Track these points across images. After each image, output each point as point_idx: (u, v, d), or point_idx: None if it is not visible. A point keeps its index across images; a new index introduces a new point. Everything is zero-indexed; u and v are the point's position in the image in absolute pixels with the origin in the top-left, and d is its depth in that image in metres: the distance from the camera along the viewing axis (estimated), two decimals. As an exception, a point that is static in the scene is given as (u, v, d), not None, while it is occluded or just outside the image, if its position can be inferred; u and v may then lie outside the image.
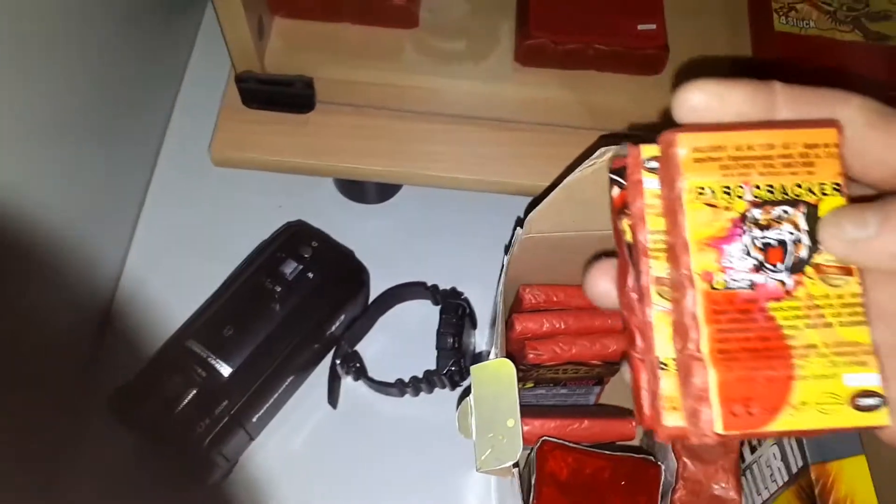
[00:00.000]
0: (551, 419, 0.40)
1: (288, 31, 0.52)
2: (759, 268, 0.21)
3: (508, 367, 0.34)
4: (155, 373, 0.43)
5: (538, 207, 0.37)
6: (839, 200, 0.21)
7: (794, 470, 0.38)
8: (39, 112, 0.44)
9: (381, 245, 0.55)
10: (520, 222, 0.38)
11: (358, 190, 0.58)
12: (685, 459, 0.39)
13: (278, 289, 0.45)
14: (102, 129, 0.52)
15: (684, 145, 0.21)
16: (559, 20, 0.51)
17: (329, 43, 0.52)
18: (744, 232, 0.21)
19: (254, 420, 0.45)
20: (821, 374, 0.21)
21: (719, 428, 0.20)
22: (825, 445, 0.37)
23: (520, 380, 0.44)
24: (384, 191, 0.58)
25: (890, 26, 0.52)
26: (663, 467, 0.38)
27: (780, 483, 0.39)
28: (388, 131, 0.52)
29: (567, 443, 0.39)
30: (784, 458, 0.39)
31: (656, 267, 0.22)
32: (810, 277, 0.21)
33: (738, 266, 0.21)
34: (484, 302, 0.53)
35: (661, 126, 0.23)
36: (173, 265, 0.55)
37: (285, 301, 0.45)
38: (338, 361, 0.49)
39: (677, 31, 0.51)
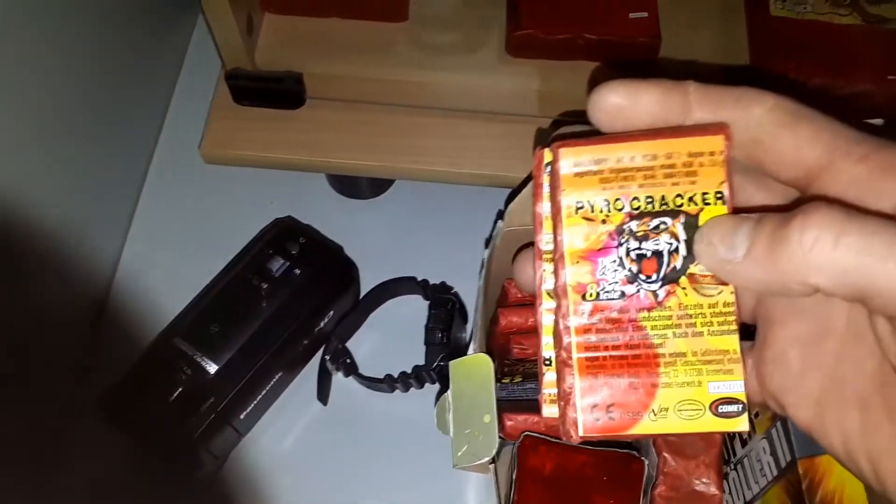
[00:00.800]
0: (536, 414, 0.40)
1: (277, 28, 0.52)
2: (632, 279, 0.22)
3: (485, 363, 0.33)
4: (143, 372, 0.44)
5: (517, 198, 0.36)
6: (720, 210, 0.21)
7: (783, 464, 0.37)
8: (34, 108, 0.44)
9: (374, 240, 0.55)
10: (500, 215, 0.37)
11: (351, 185, 0.57)
12: (666, 454, 0.38)
13: (265, 286, 0.45)
14: (98, 125, 0.53)
15: (566, 159, 0.22)
16: (550, 10, 0.50)
17: (318, 38, 0.52)
18: (619, 245, 0.22)
19: (241, 417, 0.45)
20: (685, 381, 0.22)
21: (578, 430, 0.21)
22: (813, 440, 0.36)
23: (506, 374, 0.43)
24: (377, 186, 0.58)
25: (889, 9, 0.51)
26: (646, 462, 0.38)
27: (770, 478, 0.38)
28: (379, 126, 0.52)
29: (550, 438, 0.38)
30: (773, 453, 0.38)
31: (548, 269, 0.23)
32: (683, 288, 0.22)
33: (610, 278, 0.22)
34: (475, 296, 0.52)
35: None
36: (167, 262, 0.55)
37: (272, 298, 0.45)
38: (327, 357, 0.49)
39: (670, 18, 0.50)
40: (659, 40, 0.50)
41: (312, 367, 0.50)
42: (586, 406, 0.21)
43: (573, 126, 0.25)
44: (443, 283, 0.52)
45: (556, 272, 0.22)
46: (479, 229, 0.55)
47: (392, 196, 0.58)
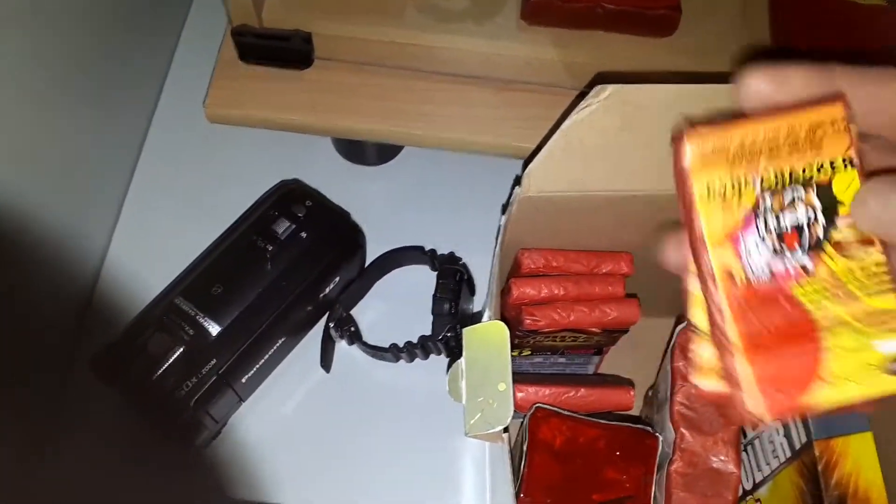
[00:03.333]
0: (546, 386, 0.39)
1: (287, -16, 0.50)
2: (777, 253, 0.22)
3: (501, 330, 0.32)
4: (140, 331, 0.42)
5: (536, 159, 0.35)
6: (852, 174, 0.22)
7: (798, 446, 0.37)
8: (34, 65, 0.43)
9: (380, 208, 0.54)
10: (518, 181, 0.36)
11: (357, 151, 0.56)
12: (683, 430, 0.37)
13: (270, 247, 0.44)
14: (98, 82, 0.51)
15: (691, 149, 0.22)
16: (568, -23, 0.49)
17: (328, -3, 0.50)
18: (758, 222, 0.22)
19: (243, 381, 0.44)
20: (852, 346, 0.21)
21: (765, 415, 0.21)
22: (830, 421, 0.36)
23: (516, 347, 0.42)
24: (384, 152, 0.56)
25: (914, -10, 0.50)
26: (661, 438, 0.37)
27: (783, 459, 0.38)
28: (388, 90, 0.51)
29: (562, 410, 0.37)
30: (787, 434, 0.38)
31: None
32: (830, 255, 0.22)
33: (755, 257, 0.22)
34: (483, 268, 0.51)
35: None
36: (166, 223, 0.54)
37: (276, 260, 0.44)
38: (331, 325, 0.48)
39: (686, -9, 0.49)
40: (679, 12, 0.49)
41: (316, 334, 0.49)
42: (762, 389, 0.21)
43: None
44: (451, 254, 0.51)
45: (697, 258, 0.22)
46: (487, 200, 0.54)
47: (399, 163, 0.57)
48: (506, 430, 0.31)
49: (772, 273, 0.22)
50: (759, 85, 0.22)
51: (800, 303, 0.21)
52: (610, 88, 0.33)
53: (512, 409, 0.30)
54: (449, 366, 0.47)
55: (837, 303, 0.21)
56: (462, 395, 0.32)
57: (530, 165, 0.35)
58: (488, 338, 0.33)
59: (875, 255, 0.22)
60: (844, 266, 0.22)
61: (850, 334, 0.21)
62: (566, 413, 0.37)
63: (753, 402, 0.21)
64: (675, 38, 0.50)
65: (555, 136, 0.34)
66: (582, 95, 0.34)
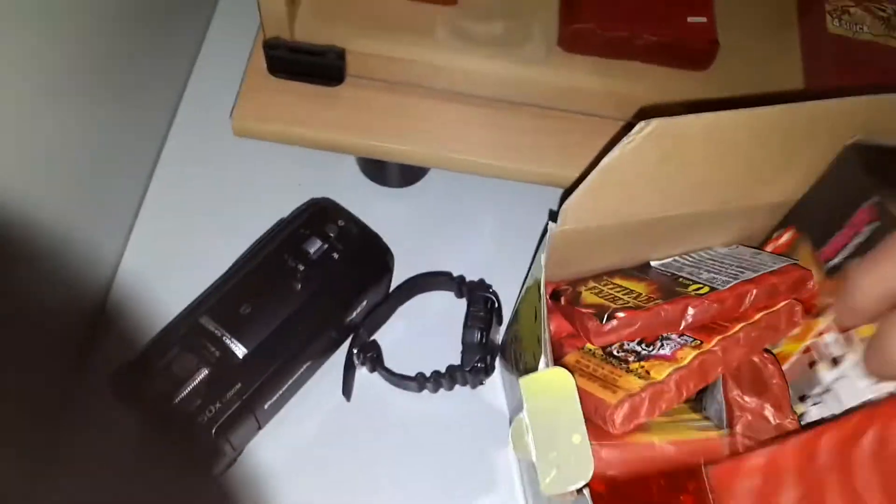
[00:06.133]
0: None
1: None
2: None
3: (565, 378, 0.30)
4: (163, 349, 0.40)
5: (573, 196, 0.34)
6: None
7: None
8: (51, 66, 0.41)
9: (403, 232, 0.52)
10: (552, 216, 0.35)
11: (382, 172, 0.55)
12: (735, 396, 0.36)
13: (301, 267, 0.42)
14: (116, 87, 0.49)
15: None
16: (607, 6, 0.49)
17: (365, 14, 0.49)
18: None
19: (265, 407, 0.42)
20: None
21: None
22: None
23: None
24: (409, 174, 0.55)
25: (947, 35, 0.51)
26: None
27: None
28: (420, 111, 0.50)
29: None
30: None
31: None
32: None
33: None
34: (510, 297, 0.50)
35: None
36: (182, 236, 0.51)
37: (308, 281, 0.42)
38: (355, 350, 0.46)
39: (726, 25, 0.49)
40: (717, 46, 0.49)
41: (337, 359, 0.47)
42: None
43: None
44: (481, 281, 0.49)
45: None
46: (513, 226, 0.53)
47: (424, 186, 0.56)
48: (587, 485, 0.29)
49: None
50: None
51: None
52: (654, 123, 0.32)
53: (592, 463, 0.28)
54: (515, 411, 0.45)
55: None
56: (531, 452, 0.30)
57: (566, 202, 0.34)
58: (551, 386, 0.31)
59: None
60: None
61: None
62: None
63: None
64: (711, 72, 0.50)
65: (593, 174, 0.33)
66: (629, 126, 0.33)
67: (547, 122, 0.50)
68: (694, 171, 0.35)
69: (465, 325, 0.46)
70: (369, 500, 0.45)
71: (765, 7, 0.53)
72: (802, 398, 0.37)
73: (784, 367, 0.38)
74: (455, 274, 0.50)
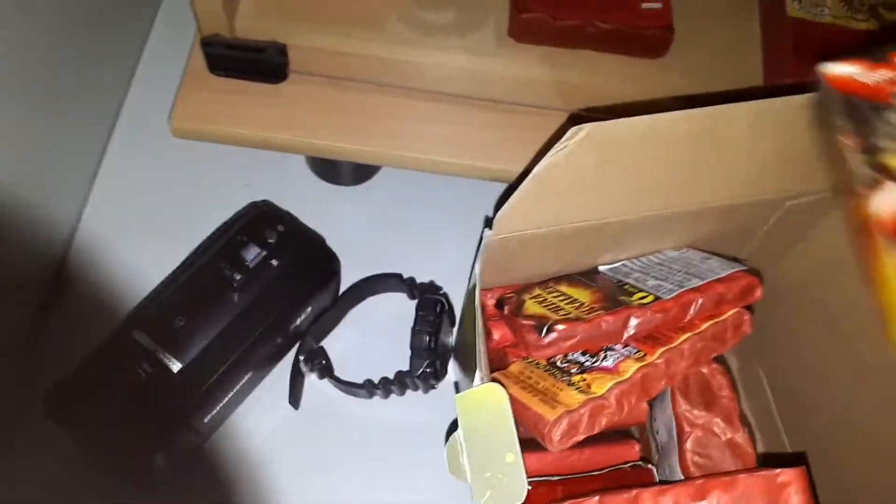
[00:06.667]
0: (545, 453, 0.36)
1: (262, -8, 0.47)
2: None
3: (498, 394, 0.29)
4: (97, 367, 0.39)
5: (507, 205, 0.33)
6: None
7: None
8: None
9: (355, 231, 0.51)
10: (488, 223, 0.34)
11: (332, 170, 0.53)
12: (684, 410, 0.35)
13: (238, 276, 0.41)
14: (57, 87, 0.47)
15: None
16: (558, -7, 0.47)
17: (307, 8, 0.47)
18: None
19: (205, 421, 0.41)
20: None
21: None
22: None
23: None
24: (360, 172, 0.54)
25: (909, 16, 0.49)
26: (655, 470, 0.35)
27: None
28: (367, 107, 0.48)
29: (551, 477, 0.35)
30: None
31: None
32: None
33: None
34: (462, 297, 0.49)
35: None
36: (126, 245, 0.50)
37: (245, 290, 0.41)
38: (301, 358, 0.45)
39: (681, 11, 0.47)
40: (671, 32, 0.47)
41: (284, 367, 0.46)
42: None
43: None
44: (431, 283, 0.48)
45: None
46: (468, 224, 0.52)
47: (376, 184, 0.54)
48: None
49: None
50: None
51: None
52: (587, 128, 0.31)
53: (525, 482, 0.27)
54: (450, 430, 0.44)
55: None
56: (466, 473, 0.29)
57: (500, 212, 0.33)
58: (486, 403, 0.29)
59: None
60: None
61: None
62: (555, 479, 0.34)
63: None
64: (668, 59, 0.48)
65: (527, 180, 0.32)
66: (573, 119, 0.32)
67: (500, 117, 0.49)
68: (632, 176, 0.34)
69: (413, 330, 0.44)
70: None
71: (724, -11, 0.52)
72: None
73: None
74: (406, 275, 0.49)
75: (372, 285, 0.48)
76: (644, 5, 0.48)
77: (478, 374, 0.30)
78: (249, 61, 0.47)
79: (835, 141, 0.27)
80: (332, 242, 0.48)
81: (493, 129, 0.48)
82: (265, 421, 0.46)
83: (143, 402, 0.38)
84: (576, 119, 0.32)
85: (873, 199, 0.24)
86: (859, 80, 0.25)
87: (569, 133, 0.31)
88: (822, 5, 0.50)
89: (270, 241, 0.42)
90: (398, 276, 0.48)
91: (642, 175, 0.34)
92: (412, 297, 0.48)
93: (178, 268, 0.43)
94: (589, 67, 0.48)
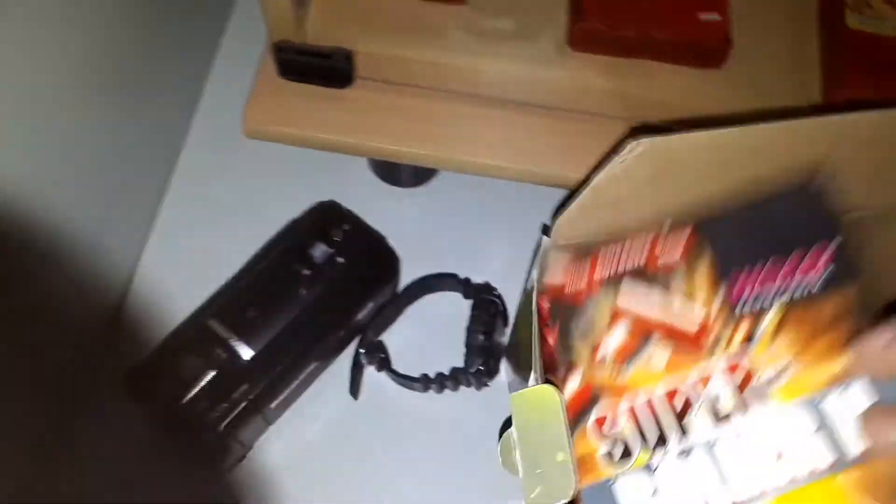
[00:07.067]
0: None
1: (330, 1, 0.50)
2: None
3: (551, 395, 0.30)
4: (172, 351, 0.42)
5: (565, 212, 0.34)
6: None
7: None
8: (65, 75, 0.42)
9: (413, 232, 0.53)
10: (545, 230, 0.35)
11: (393, 172, 0.55)
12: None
13: (306, 272, 0.43)
14: (134, 89, 0.50)
15: None
16: (617, 4, 0.48)
17: (372, 16, 0.49)
18: None
19: (272, 406, 0.43)
20: None
21: None
22: None
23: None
24: (420, 174, 0.55)
25: (975, 31, 0.49)
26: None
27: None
28: (428, 112, 0.50)
29: None
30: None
31: None
32: None
33: None
34: (517, 298, 0.50)
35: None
36: (198, 241, 0.53)
37: (313, 285, 0.43)
38: (362, 351, 0.47)
39: (740, 23, 0.48)
40: (730, 45, 0.48)
41: (344, 359, 0.48)
42: None
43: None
44: (487, 284, 0.50)
45: None
46: (522, 228, 0.53)
47: (435, 186, 0.56)
48: (571, 502, 0.30)
49: None
50: None
51: None
52: (644, 143, 0.32)
53: (574, 481, 0.29)
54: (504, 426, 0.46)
55: None
56: (518, 468, 0.30)
57: (557, 220, 0.34)
58: (540, 403, 0.31)
59: None
60: None
61: None
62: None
63: None
64: (726, 70, 0.49)
65: (584, 191, 0.33)
66: (633, 130, 0.33)
67: (557, 123, 0.50)
68: (687, 190, 0.35)
69: (469, 328, 0.46)
70: (376, 497, 0.46)
71: (784, 2, 0.52)
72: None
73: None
74: (462, 276, 0.50)
75: (429, 284, 0.50)
76: (702, 17, 0.48)
77: (533, 376, 0.32)
78: (318, 66, 0.49)
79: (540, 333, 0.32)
80: (391, 242, 0.50)
81: (549, 135, 0.50)
82: (326, 410, 0.48)
83: (217, 386, 0.40)
84: (635, 131, 0.33)
85: (564, 386, 0.29)
86: (563, 290, 0.31)
87: (628, 147, 0.32)
88: (883, 17, 0.50)
89: (336, 239, 0.44)
90: (454, 276, 0.50)
91: (697, 188, 0.35)
92: (467, 296, 0.50)
93: (250, 262, 0.46)
94: (646, 77, 0.49)
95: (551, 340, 0.36)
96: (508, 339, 0.48)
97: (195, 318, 0.43)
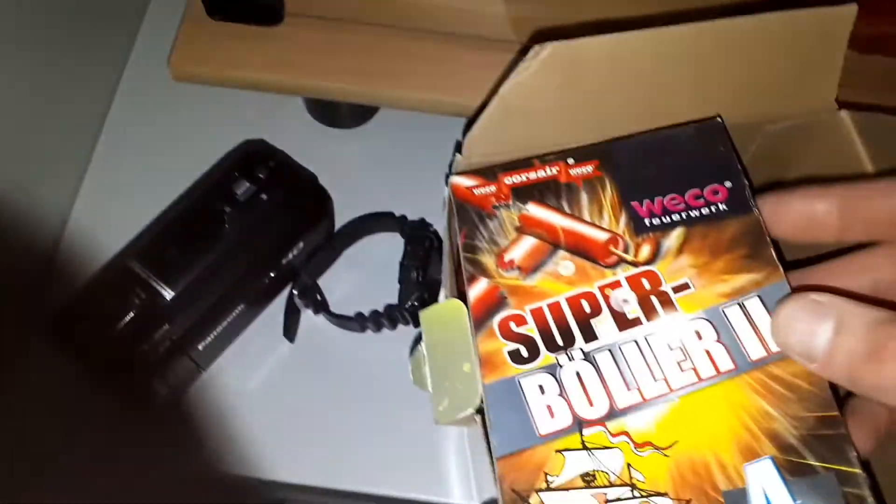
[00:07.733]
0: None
1: (256, -66, 0.48)
2: None
3: (458, 308, 0.30)
4: (94, 293, 0.41)
5: (473, 128, 0.33)
6: None
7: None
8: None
9: (352, 172, 0.52)
10: (458, 147, 0.34)
11: (330, 112, 0.54)
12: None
13: (228, 209, 0.42)
14: (65, 36, 0.49)
15: None
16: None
17: (300, -51, 0.48)
18: None
19: (200, 348, 0.42)
20: None
21: None
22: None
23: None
24: (358, 114, 0.54)
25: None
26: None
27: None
28: (363, 48, 0.48)
29: None
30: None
31: None
32: None
33: None
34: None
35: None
36: (131, 184, 0.52)
37: (235, 223, 0.42)
38: (296, 293, 0.46)
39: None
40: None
41: (279, 304, 0.47)
42: None
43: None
44: (422, 220, 0.49)
45: None
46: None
47: (374, 126, 0.55)
48: (479, 411, 0.29)
49: None
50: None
51: None
52: (548, 47, 0.30)
53: (480, 390, 0.28)
54: (414, 344, 0.45)
55: None
56: (427, 383, 0.30)
57: (469, 132, 0.33)
58: (447, 318, 0.30)
59: None
60: None
61: None
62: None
63: None
64: None
65: (493, 101, 0.32)
66: (525, 51, 0.32)
67: (494, 56, 0.48)
68: (598, 99, 0.33)
69: (402, 264, 0.45)
70: (318, 440, 0.46)
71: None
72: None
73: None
74: (401, 214, 0.49)
75: (366, 224, 0.49)
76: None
77: (442, 292, 0.31)
78: (246, 4, 0.48)
79: (453, 236, 0.33)
80: (329, 183, 0.49)
81: (486, 68, 0.48)
82: (263, 355, 0.47)
83: (138, 327, 0.39)
84: (542, 36, 0.32)
85: (470, 288, 0.29)
86: (472, 191, 0.31)
87: (531, 52, 0.31)
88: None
89: (261, 176, 0.43)
90: (391, 215, 0.49)
91: (609, 98, 0.33)
92: (404, 235, 0.49)
93: (173, 203, 0.45)
94: (586, 6, 0.47)
95: (461, 246, 0.35)
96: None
97: (118, 259, 0.42)
